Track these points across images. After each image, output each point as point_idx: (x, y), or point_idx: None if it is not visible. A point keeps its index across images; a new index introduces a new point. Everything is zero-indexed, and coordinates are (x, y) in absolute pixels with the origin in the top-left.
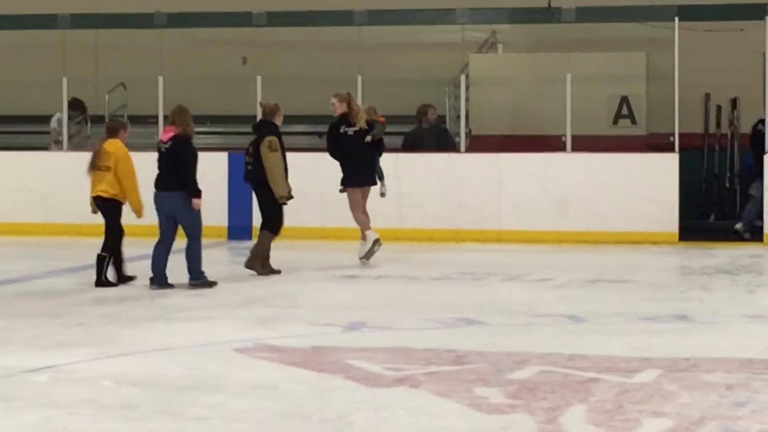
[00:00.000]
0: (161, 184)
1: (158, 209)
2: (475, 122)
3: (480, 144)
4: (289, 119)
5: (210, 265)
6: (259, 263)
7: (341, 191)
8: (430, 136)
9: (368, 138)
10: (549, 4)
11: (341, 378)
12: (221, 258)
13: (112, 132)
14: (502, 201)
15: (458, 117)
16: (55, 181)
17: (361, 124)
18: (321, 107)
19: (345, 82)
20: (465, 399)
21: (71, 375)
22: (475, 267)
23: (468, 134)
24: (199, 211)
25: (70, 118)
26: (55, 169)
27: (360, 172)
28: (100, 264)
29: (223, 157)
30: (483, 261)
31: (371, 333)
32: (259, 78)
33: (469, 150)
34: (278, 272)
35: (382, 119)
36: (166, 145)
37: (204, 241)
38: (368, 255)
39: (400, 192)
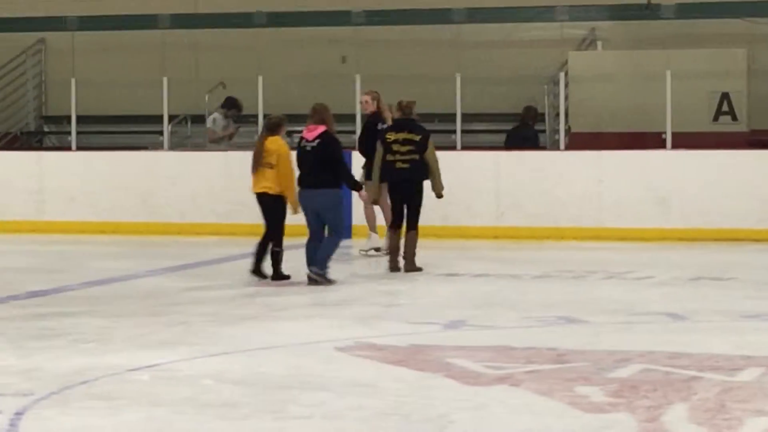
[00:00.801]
0: (309, 181)
1: (305, 207)
2: (574, 120)
3: (580, 141)
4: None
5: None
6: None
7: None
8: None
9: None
10: (648, 1)
11: (442, 376)
12: None
13: (274, 129)
14: (602, 198)
15: (557, 114)
16: (155, 180)
17: (389, 122)
18: (420, 105)
19: (443, 80)
20: (566, 398)
21: (173, 374)
22: (576, 265)
23: (567, 132)
24: (343, 208)
25: (225, 116)
26: (156, 168)
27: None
28: (275, 258)
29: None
30: (583, 259)
31: (471, 331)
32: (358, 76)
33: (568, 148)
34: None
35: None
36: (312, 144)
37: (304, 239)
38: (367, 253)
39: (499, 190)
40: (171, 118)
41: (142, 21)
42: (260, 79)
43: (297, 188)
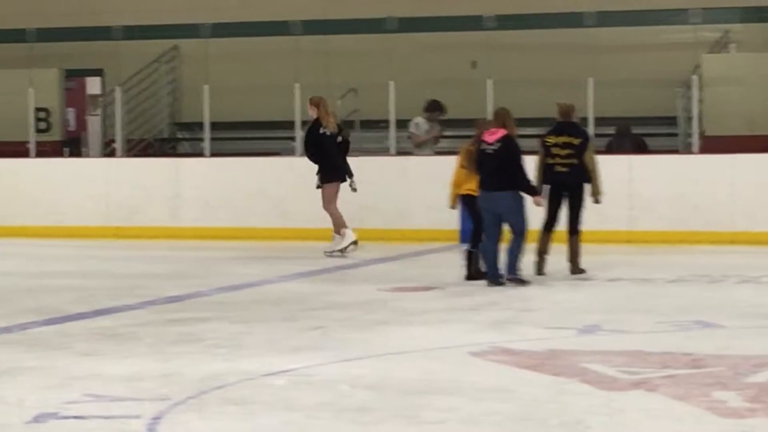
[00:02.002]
0: (491, 184)
1: (485, 209)
2: (708, 123)
3: (713, 145)
4: (519, 122)
5: (443, 269)
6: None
7: (318, 187)
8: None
9: (339, 138)
10: None
11: (577, 381)
12: (454, 261)
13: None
14: (736, 202)
15: (689, 118)
16: (289, 186)
17: (332, 127)
18: (552, 110)
19: (575, 85)
20: (703, 403)
21: (308, 378)
22: (710, 269)
23: (701, 135)
24: (526, 210)
25: (428, 120)
26: (290, 174)
27: (337, 170)
28: (473, 258)
29: (453, 160)
30: (718, 263)
31: (606, 336)
32: (489, 81)
33: (702, 151)
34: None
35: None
36: (493, 147)
37: (436, 244)
38: (341, 251)
39: (632, 194)
40: (303, 123)
41: (275, 27)
42: (392, 84)
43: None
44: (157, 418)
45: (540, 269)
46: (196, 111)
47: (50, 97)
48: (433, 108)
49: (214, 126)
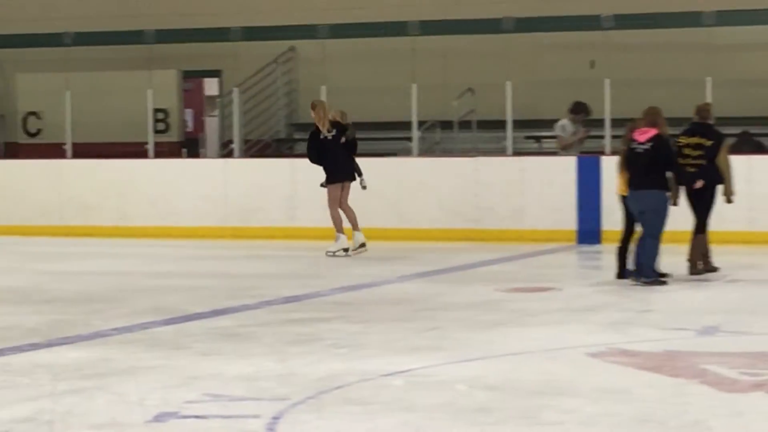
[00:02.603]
0: (640, 183)
1: (631, 207)
2: None
3: None
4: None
5: (560, 270)
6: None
7: (322, 186)
8: None
9: (343, 139)
10: None
11: (697, 383)
12: (571, 261)
13: None
14: None
15: None
16: (406, 187)
17: (326, 130)
18: (671, 110)
19: (693, 84)
20: None
21: (426, 379)
22: None
23: None
24: (668, 212)
25: (573, 122)
26: (407, 175)
27: (340, 171)
28: (622, 256)
29: (571, 161)
30: None
31: (725, 337)
32: (607, 81)
33: None
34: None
35: (350, 123)
36: (644, 146)
37: (552, 245)
38: (334, 254)
39: (751, 194)
40: (420, 124)
41: (392, 28)
42: (509, 84)
43: None
44: (276, 418)
45: (698, 269)
46: None
47: (168, 99)
48: (578, 110)
49: None
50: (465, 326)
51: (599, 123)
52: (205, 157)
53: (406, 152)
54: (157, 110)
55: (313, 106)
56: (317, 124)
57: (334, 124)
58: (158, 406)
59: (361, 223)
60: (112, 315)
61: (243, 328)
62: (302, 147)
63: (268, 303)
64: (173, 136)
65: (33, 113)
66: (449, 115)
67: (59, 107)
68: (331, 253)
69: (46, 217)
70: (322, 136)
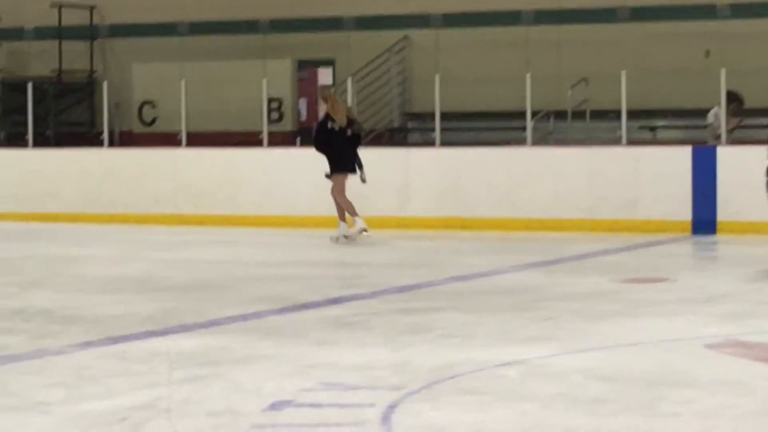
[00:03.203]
0: None
1: None
2: None
3: None
4: (754, 113)
5: (675, 260)
6: None
7: (327, 176)
8: None
9: (349, 132)
10: None
11: None
12: (685, 252)
13: None
14: None
15: None
16: (519, 176)
17: (341, 121)
18: None
19: None
20: None
21: (541, 369)
22: None
23: None
24: None
25: (729, 112)
26: (518, 164)
27: (345, 161)
28: None
29: (686, 150)
30: None
31: None
32: (723, 71)
33: None
34: None
35: (356, 117)
36: None
37: (666, 235)
38: (349, 238)
39: None
40: (533, 114)
41: (506, 18)
42: (623, 74)
43: None
44: (391, 407)
45: None
46: (426, 101)
47: (283, 88)
48: (731, 99)
49: (445, 116)
50: (579, 316)
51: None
52: None
53: (520, 142)
54: (271, 99)
55: (325, 98)
56: (330, 114)
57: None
58: (274, 394)
59: (472, 213)
60: (226, 303)
61: (356, 317)
62: (415, 136)
63: (382, 292)
64: (287, 126)
65: (148, 102)
66: (563, 105)
67: (174, 96)
68: (350, 238)
69: (160, 205)
70: (329, 126)
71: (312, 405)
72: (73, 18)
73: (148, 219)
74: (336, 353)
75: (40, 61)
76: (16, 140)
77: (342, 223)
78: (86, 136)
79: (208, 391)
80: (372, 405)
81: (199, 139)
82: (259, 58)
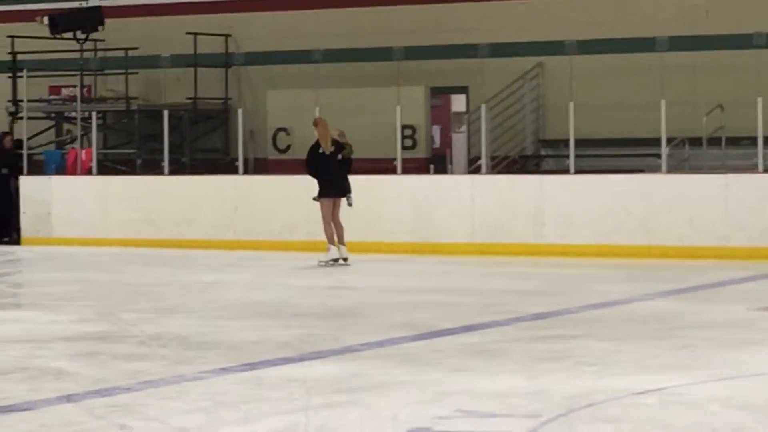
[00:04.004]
0: None
1: None
2: None
3: None
4: None
5: None
6: None
7: (315, 199)
8: None
9: (339, 156)
10: None
11: None
12: None
13: None
14: None
15: None
16: (653, 204)
17: (326, 147)
18: None
19: None
20: None
21: (679, 398)
22: None
23: None
24: None
25: None
26: (655, 192)
27: (333, 187)
28: None
29: None
30: None
31: None
32: None
33: None
34: None
35: (349, 142)
36: None
37: None
38: (326, 264)
39: None
40: (668, 140)
41: (640, 44)
42: (759, 100)
43: None
44: None
45: None
46: (560, 128)
47: (416, 115)
48: None
49: (579, 143)
50: (716, 345)
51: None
52: (452, 173)
53: (655, 169)
54: (404, 126)
55: (315, 124)
56: (319, 140)
57: (333, 142)
58: (410, 421)
59: (606, 240)
60: (362, 330)
61: (493, 344)
62: (549, 163)
63: (517, 320)
64: (421, 152)
65: (282, 129)
66: (698, 132)
67: (308, 123)
68: (323, 263)
69: (292, 231)
70: (320, 151)
71: None
72: (209, 46)
73: (282, 245)
74: (472, 380)
75: (175, 88)
76: (152, 167)
77: (332, 247)
78: (221, 163)
79: (345, 418)
80: None
81: None
82: (392, 85)
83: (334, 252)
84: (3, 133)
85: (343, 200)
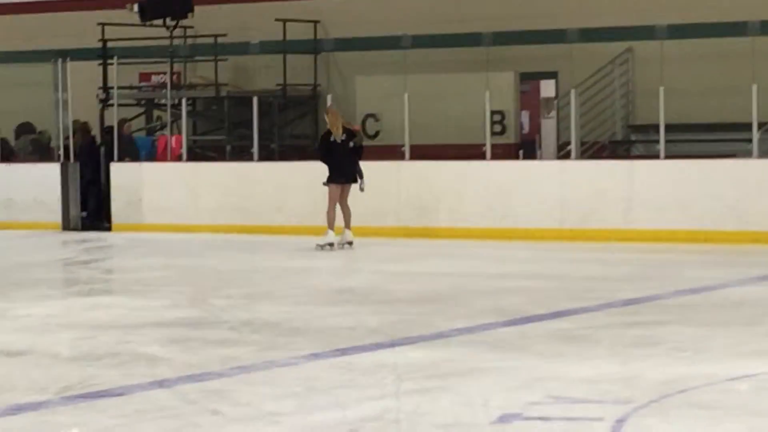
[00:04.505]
0: None
1: None
2: None
3: None
4: None
5: None
6: None
7: (324, 184)
8: None
9: (351, 144)
10: None
11: None
12: None
13: None
14: None
15: None
16: (745, 189)
17: (337, 135)
18: None
19: None
20: None
21: None
22: None
23: None
24: None
25: None
26: (747, 177)
27: (342, 173)
28: None
29: None
30: None
31: None
32: None
33: None
34: None
35: (357, 128)
36: None
37: None
38: (322, 247)
39: None
40: (760, 125)
41: (732, 28)
42: None
43: None
44: (620, 421)
45: None
46: (650, 113)
47: (505, 100)
48: None
49: (669, 128)
50: None
51: None
52: (541, 159)
53: (746, 154)
54: (493, 112)
55: (326, 112)
56: (330, 128)
57: (345, 130)
58: (501, 407)
59: (697, 226)
60: (452, 315)
61: (583, 330)
62: (638, 149)
63: (607, 305)
64: (510, 138)
65: (371, 115)
66: None
67: (397, 109)
68: (320, 247)
69: (383, 217)
70: (332, 139)
71: (540, 418)
72: (298, 32)
73: (371, 231)
74: (563, 366)
75: (265, 75)
76: (241, 154)
77: (330, 231)
78: (310, 149)
79: (437, 404)
80: (600, 419)
81: (421, 152)
82: (481, 71)
83: (331, 236)
84: (122, 120)
85: (355, 186)
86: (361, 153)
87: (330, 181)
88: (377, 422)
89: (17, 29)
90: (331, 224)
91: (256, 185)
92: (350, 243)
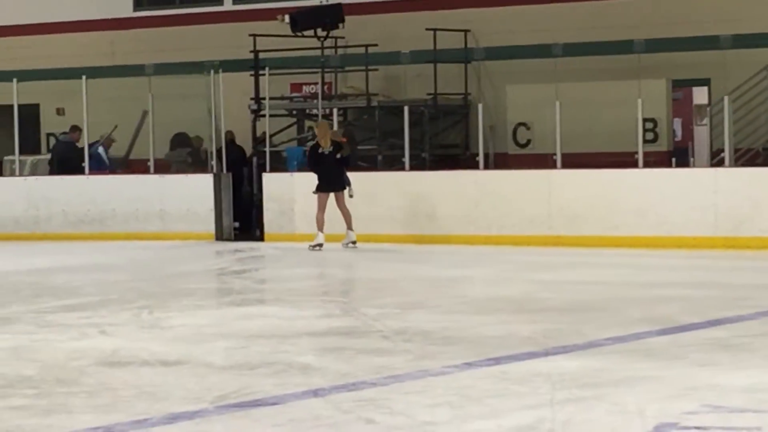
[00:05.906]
0: None
1: None
2: None
3: None
4: None
5: None
6: None
7: (314, 192)
8: None
9: (338, 155)
10: None
11: None
12: None
13: None
14: None
15: None
16: None
17: (325, 146)
18: None
19: None
20: None
21: None
22: None
23: None
24: None
25: None
26: None
27: (329, 182)
28: None
29: None
30: None
31: None
32: None
33: None
34: None
35: (343, 139)
36: None
37: None
38: (312, 249)
39: None
40: None
41: None
42: None
43: None
44: None
45: None
46: None
47: (657, 108)
48: None
49: None
50: None
51: None
52: (694, 166)
53: None
54: (645, 120)
55: (316, 126)
56: (319, 140)
57: (333, 142)
58: (657, 417)
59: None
60: (605, 324)
61: (739, 338)
62: None
63: (763, 314)
64: (662, 146)
65: (522, 124)
66: None
67: (548, 118)
68: (311, 248)
69: (535, 226)
70: (320, 150)
71: (697, 428)
72: (448, 41)
73: (523, 240)
74: (719, 375)
75: (415, 84)
76: (393, 163)
77: (320, 233)
78: (461, 158)
79: (592, 413)
80: (759, 429)
81: (573, 160)
82: (633, 79)
83: (320, 238)
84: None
85: (345, 192)
86: (347, 163)
87: (318, 189)
88: (531, 431)
89: (172, 41)
90: (320, 226)
91: (408, 194)
92: (354, 243)
